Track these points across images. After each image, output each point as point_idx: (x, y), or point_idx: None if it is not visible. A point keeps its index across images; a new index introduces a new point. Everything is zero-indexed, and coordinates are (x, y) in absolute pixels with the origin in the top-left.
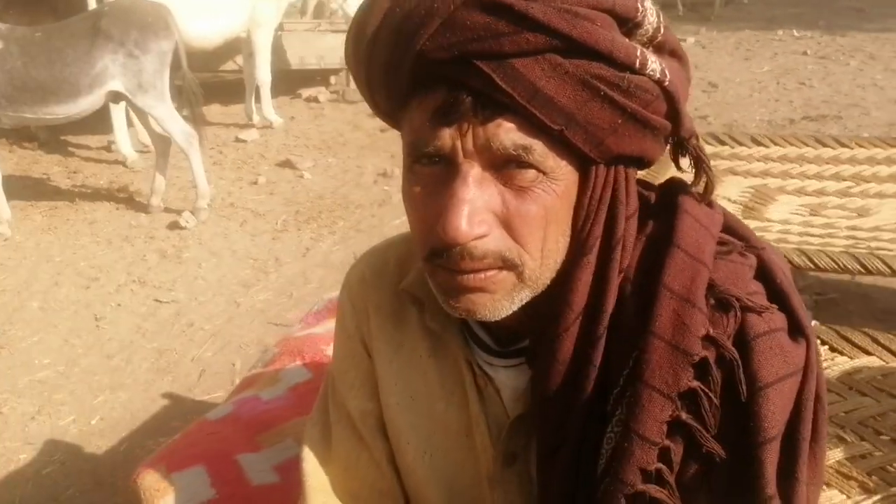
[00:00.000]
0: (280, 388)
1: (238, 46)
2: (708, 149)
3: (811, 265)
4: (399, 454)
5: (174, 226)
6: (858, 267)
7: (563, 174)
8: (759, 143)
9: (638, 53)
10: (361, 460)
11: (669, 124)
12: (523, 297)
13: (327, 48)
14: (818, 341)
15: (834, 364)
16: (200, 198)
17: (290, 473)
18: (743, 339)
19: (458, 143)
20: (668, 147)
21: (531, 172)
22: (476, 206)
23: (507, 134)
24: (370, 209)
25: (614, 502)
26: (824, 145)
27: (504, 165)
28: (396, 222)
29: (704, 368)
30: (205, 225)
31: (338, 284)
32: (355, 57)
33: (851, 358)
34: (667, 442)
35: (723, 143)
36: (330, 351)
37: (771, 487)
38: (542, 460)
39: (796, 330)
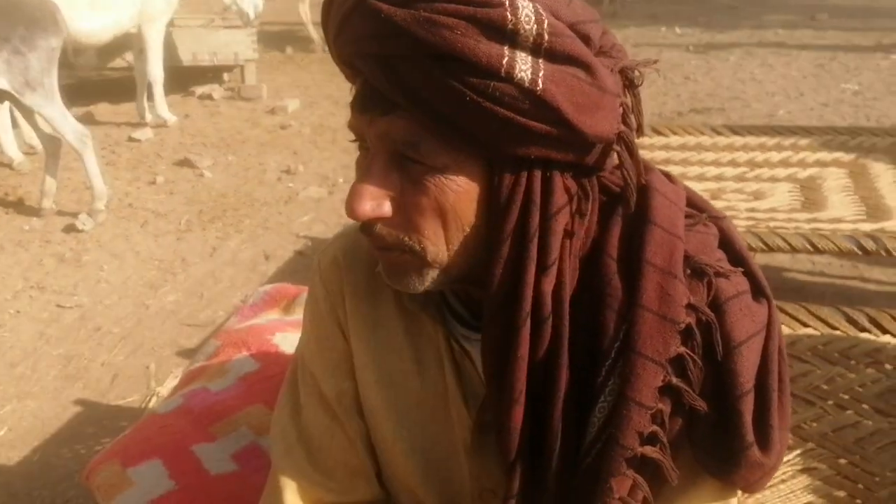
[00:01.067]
0: (229, 378)
1: (128, 42)
2: None
3: None
4: (376, 431)
5: (70, 228)
6: (761, 244)
7: (462, 171)
8: (659, 133)
9: (504, 61)
10: (336, 439)
11: (559, 131)
12: (436, 276)
13: (220, 44)
14: None
15: None
16: (97, 199)
17: (249, 461)
18: (716, 303)
19: (367, 132)
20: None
21: (420, 167)
22: (373, 192)
23: (398, 130)
24: (276, 206)
25: (615, 465)
26: (719, 134)
27: (402, 157)
28: (304, 219)
29: (689, 334)
30: (103, 227)
31: (249, 283)
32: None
33: None
34: (659, 405)
35: None
36: (276, 340)
37: (750, 435)
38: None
39: (758, 291)
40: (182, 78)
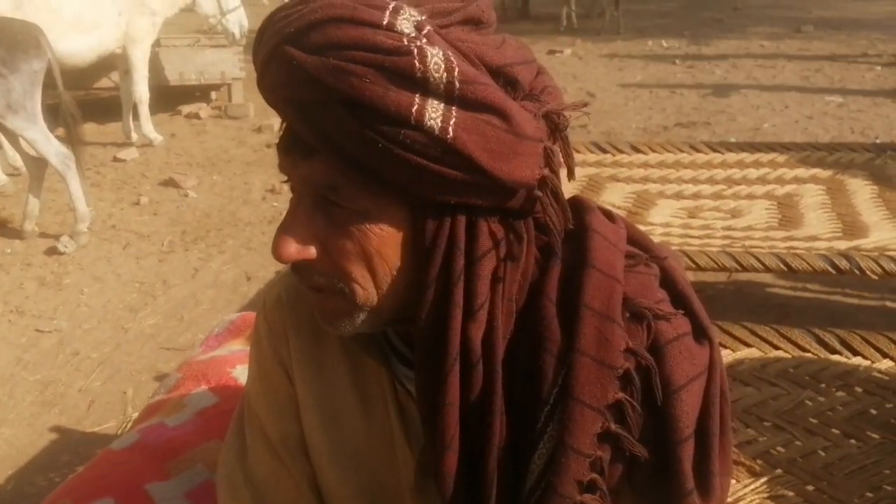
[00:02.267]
0: (186, 413)
1: (113, 63)
2: (591, 157)
3: (693, 265)
4: (322, 473)
5: (52, 251)
6: (735, 265)
7: (385, 215)
8: (638, 151)
9: (413, 109)
10: (281, 483)
11: (474, 177)
12: (363, 317)
13: (207, 63)
14: None
15: None
16: (80, 221)
17: (203, 500)
18: (656, 346)
19: (292, 174)
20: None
21: (343, 211)
22: (297, 233)
23: (318, 173)
24: (260, 226)
25: None
26: (697, 151)
27: (324, 200)
28: None
29: (627, 379)
30: (85, 249)
31: (230, 305)
32: None
33: (733, 350)
34: (598, 452)
35: (605, 151)
36: (236, 373)
37: (689, 482)
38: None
39: (700, 332)
40: (169, 97)
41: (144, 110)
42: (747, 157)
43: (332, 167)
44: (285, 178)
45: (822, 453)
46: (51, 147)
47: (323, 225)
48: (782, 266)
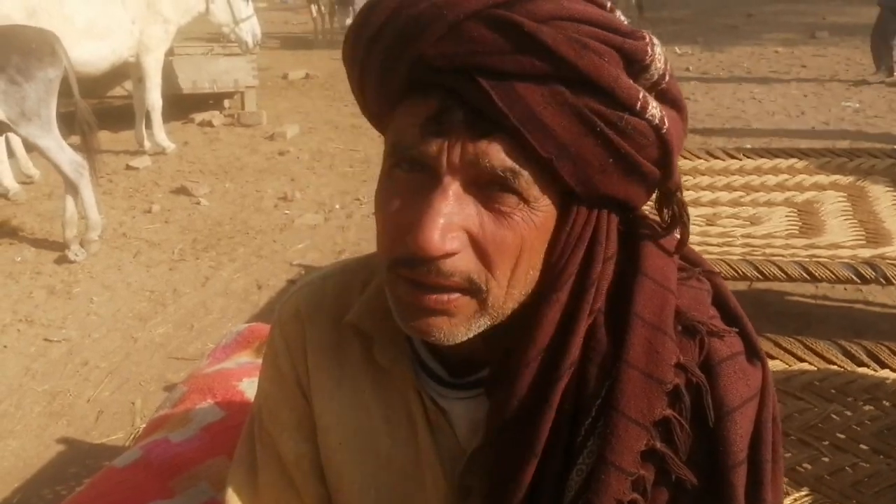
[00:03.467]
0: (191, 428)
1: (126, 71)
2: None
3: None
4: (341, 494)
5: (62, 260)
6: (756, 273)
7: (544, 206)
8: None
9: (640, 96)
10: None
11: (660, 172)
12: (482, 324)
13: (220, 71)
14: None
15: None
16: (91, 230)
17: None
18: (708, 364)
19: (444, 156)
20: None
21: (514, 198)
22: (452, 222)
23: (497, 155)
24: (271, 234)
25: None
26: (714, 157)
27: (487, 186)
28: (299, 246)
29: (676, 396)
30: (96, 257)
31: (240, 313)
32: (352, 54)
33: None
34: (641, 471)
35: None
36: (243, 386)
37: None
38: (491, 493)
39: (753, 353)
40: (183, 105)
41: (157, 118)
42: (765, 162)
43: (516, 150)
44: (415, 154)
45: (850, 470)
46: (64, 155)
47: (475, 213)
48: (805, 275)
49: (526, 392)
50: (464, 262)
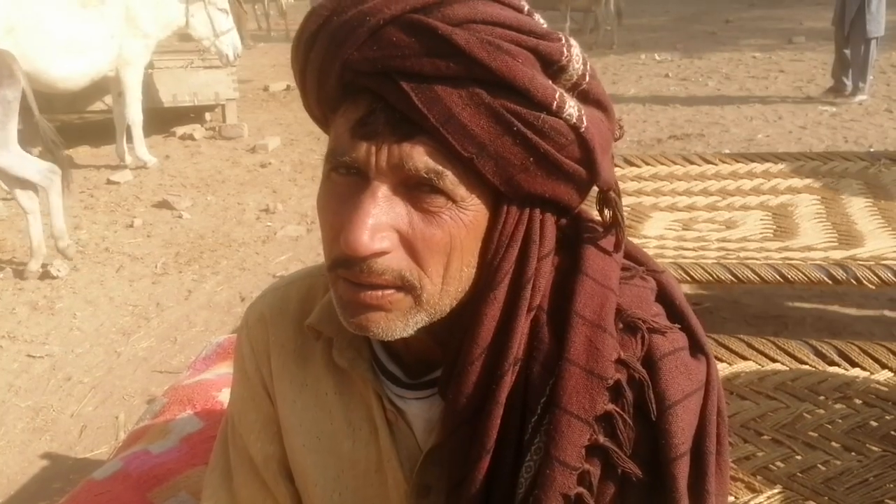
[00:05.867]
0: (171, 439)
1: (106, 86)
2: None
3: (688, 277)
4: (306, 496)
5: (45, 275)
6: (731, 277)
7: (473, 206)
8: (631, 164)
9: (556, 96)
10: None
11: (584, 171)
12: (418, 320)
13: (201, 84)
14: None
15: None
16: (59, 238)
17: None
18: (650, 360)
19: (372, 159)
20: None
21: (441, 198)
22: (380, 222)
23: (421, 157)
24: (254, 247)
25: None
26: (691, 163)
27: (416, 187)
28: (282, 258)
29: (618, 391)
30: (78, 272)
31: (223, 326)
32: (294, 59)
33: (730, 364)
34: (586, 466)
35: None
36: (223, 397)
37: (684, 501)
38: (450, 492)
39: (697, 348)
40: (164, 119)
41: (138, 132)
42: (741, 167)
43: (438, 151)
44: (346, 160)
45: (823, 467)
46: (30, 166)
47: (404, 213)
48: (778, 277)
49: (473, 390)
50: (395, 261)
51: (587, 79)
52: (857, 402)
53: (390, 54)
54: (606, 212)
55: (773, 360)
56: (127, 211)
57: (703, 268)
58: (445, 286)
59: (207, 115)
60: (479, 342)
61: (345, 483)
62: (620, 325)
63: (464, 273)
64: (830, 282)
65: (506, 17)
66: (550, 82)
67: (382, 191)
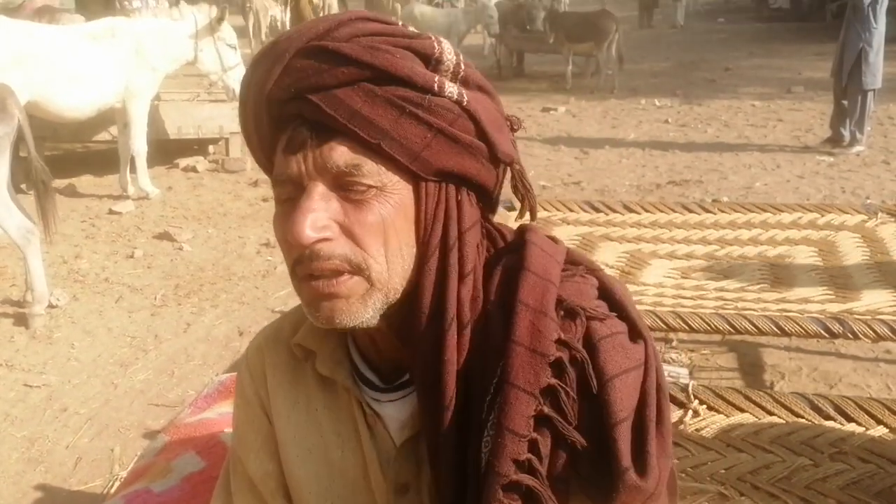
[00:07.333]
0: (172, 478)
1: (112, 116)
2: (584, 216)
3: (686, 327)
4: (300, 502)
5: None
6: (728, 328)
7: (397, 189)
8: (630, 210)
9: (436, 80)
10: None
11: (482, 144)
12: (377, 301)
13: (205, 118)
14: (696, 400)
15: (712, 422)
16: (37, 302)
17: None
18: (589, 342)
19: (303, 168)
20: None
21: (363, 187)
22: (318, 216)
23: (340, 154)
24: (254, 280)
25: (493, 493)
26: (690, 211)
27: (344, 184)
28: (281, 293)
29: (560, 368)
30: (78, 302)
31: (221, 360)
32: (240, 119)
33: (727, 416)
34: (534, 434)
35: (598, 210)
36: (225, 437)
37: (626, 459)
38: (431, 462)
39: (635, 334)
40: (168, 151)
41: (142, 164)
42: (739, 217)
43: (353, 146)
44: (283, 178)
45: None
46: (11, 220)
47: (339, 206)
48: (775, 329)
49: (426, 356)
50: (339, 247)
51: (463, 67)
52: (853, 458)
53: (299, 78)
54: (519, 188)
55: (770, 413)
56: (128, 241)
57: (701, 318)
58: (390, 264)
59: (211, 148)
60: (423, 309)
61: (336, 492)
62: (561, 313)
63: (404, 251)
64: (827, 335)
65: (382, 28)
66: (431, 72)
67: (317, 191)
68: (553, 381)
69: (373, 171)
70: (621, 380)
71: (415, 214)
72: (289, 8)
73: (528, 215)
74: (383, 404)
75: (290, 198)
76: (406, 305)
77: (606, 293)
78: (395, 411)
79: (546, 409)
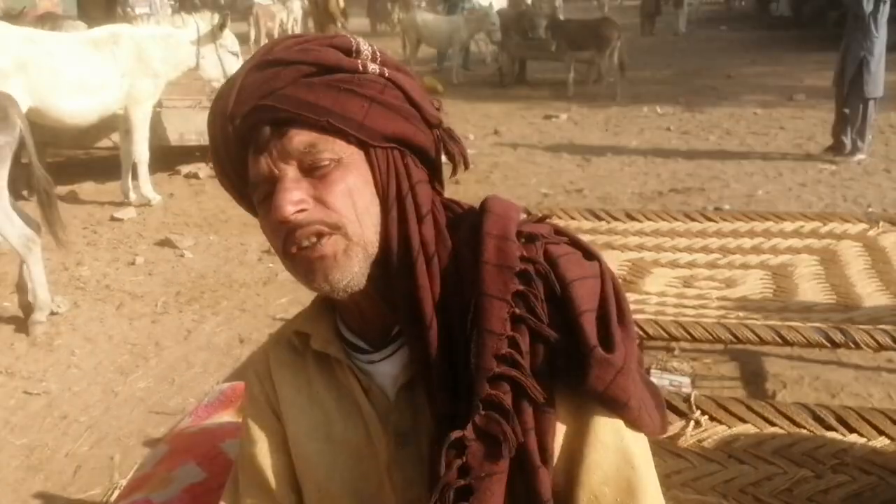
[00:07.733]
0: (173, 489)
1: (114, 123)
2: (586, 224)
3: (688, 336)
4: (310, 480)
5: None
6: (730, 337)
7: (353, 159)
8: (633, 219)
9: (360, 62)
10: None
11: (412, 108)
12: (358, 254)
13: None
14: (698, 411)
15: (714, 433)
16: (38, 310)
17: None
18: (549, 259)
19: (270, 162)
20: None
21: (324, 163)
22: (292, 193)
23: (297, 139)
24: (255, 288)
25: (479, 386)
26: (692, 219)
27: (308, 165)
28: (283, 300)
29: (527, 277)
30: (79, 309)
31: (222, 368)
32: (212, 153)
33: (729, 426)
34: (511, 332)
35: (600, 218)
36: (225, 447)
37: (593, 339)
38: (429, 397)
39: (588, 255)
40: (169, 157)
41: (144, 170)
42: (742, 225)
43: (305, 130)
44: (259, 179)
45: None
46: (12, 228)
47: (308, 184)
48: (777, 339)
49: (406, 288)
50: (316, 213)
51: (378, 55)
52: (854, 469)
53: (252, 91)
54: (450, 146)
55: (772, 424)
56: (129, 248)
57: (703, 327)
58: (361, 221)
59: None
60: (393, 250)
61: (341, 462)
62: (522, 239)
63: (371, 209)
64: (829, 345)
65: (308, 38)
66: (353, 59)
67: (290, 175)
68: (521, 287)
69: (328, 147)
70: (581, 282)
71: (372, 177)
72: (316, 7)
73: (462, 168)
74: (377, 364)
75: (267, 194)
76: (384, 264)
77: (560, 231)
78: (389, 367)
79: (518, 311)
